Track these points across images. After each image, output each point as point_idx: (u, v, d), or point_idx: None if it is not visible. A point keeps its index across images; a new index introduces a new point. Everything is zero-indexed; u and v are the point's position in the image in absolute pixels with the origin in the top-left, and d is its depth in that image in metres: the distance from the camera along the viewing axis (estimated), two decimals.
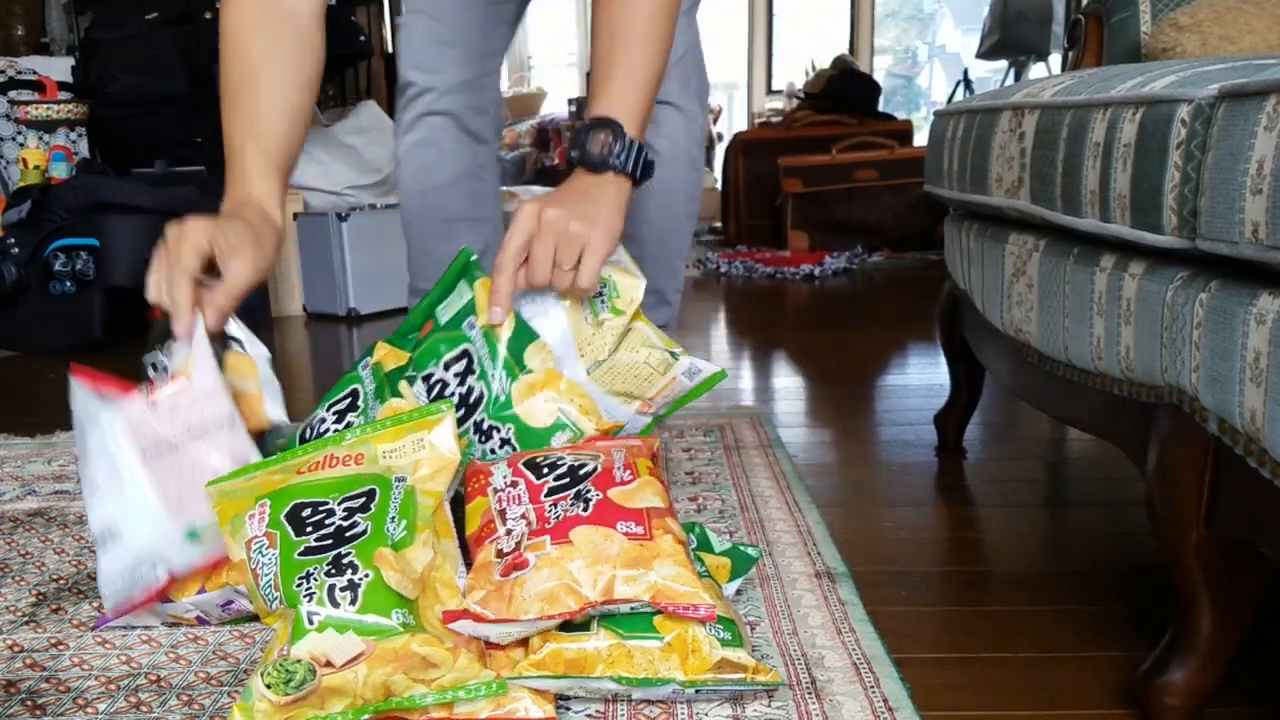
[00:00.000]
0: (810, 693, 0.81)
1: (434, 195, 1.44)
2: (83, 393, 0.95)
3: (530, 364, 1.00)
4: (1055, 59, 4.57)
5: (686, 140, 1.38)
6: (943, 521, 1.26)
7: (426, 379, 1.03)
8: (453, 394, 1.01)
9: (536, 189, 4.17)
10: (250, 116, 1.05)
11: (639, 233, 1.36)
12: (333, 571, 0.76)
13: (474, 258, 1.06)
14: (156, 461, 0.92)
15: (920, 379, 1.96)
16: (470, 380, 1.00)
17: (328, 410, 1.04)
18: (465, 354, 1.02)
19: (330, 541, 0.79)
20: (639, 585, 0.76)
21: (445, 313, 1.06)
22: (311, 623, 0.74)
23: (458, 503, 0.91)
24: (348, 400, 1.04)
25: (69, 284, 2.52)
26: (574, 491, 0.85)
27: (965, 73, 5.44)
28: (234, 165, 1.06)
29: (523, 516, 0.84)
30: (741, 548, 0.96)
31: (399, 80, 1.43)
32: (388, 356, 1.06)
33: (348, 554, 0.77)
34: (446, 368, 1.02)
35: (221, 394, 0.93)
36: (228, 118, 1.06)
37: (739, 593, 0.98)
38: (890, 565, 1.09)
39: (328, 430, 1.02)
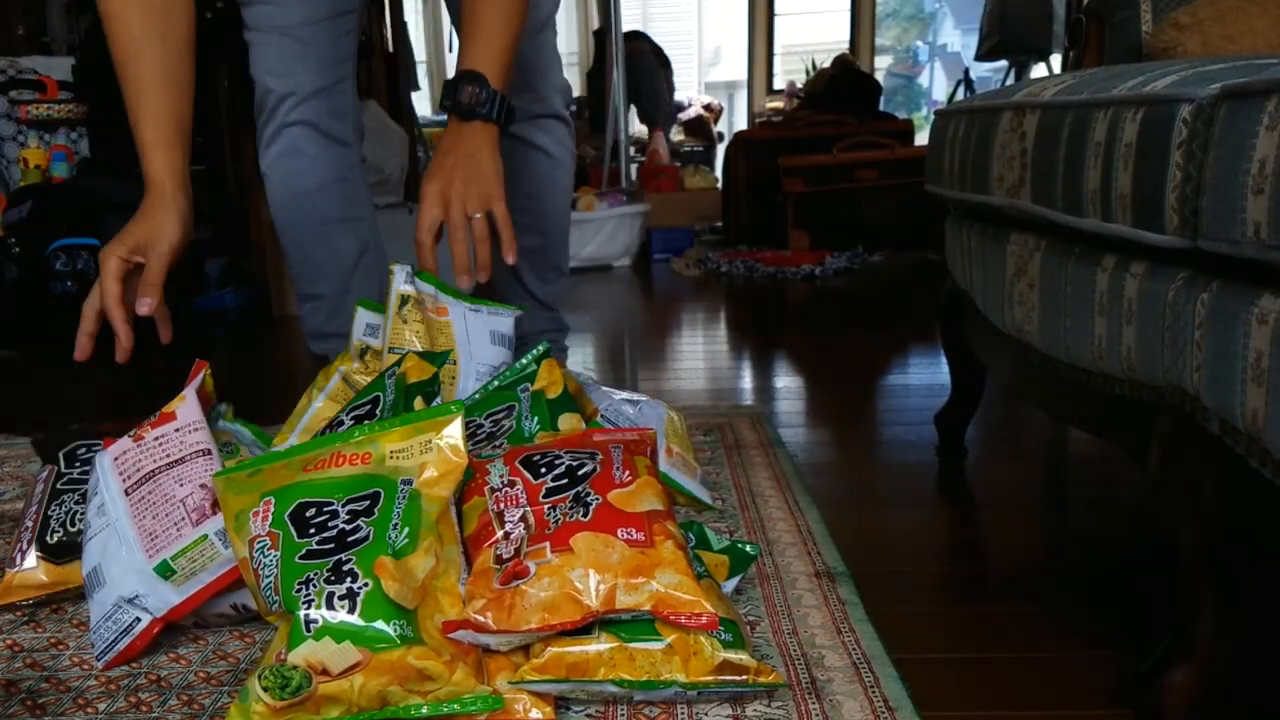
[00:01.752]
0: (810, 693, 0.81)
1: (305, 201, 1.47)
2: (99, 454, 0.98)
3: (561, 427, 1.10)
4: (1056, 59, 4.57)
5: (570, 143, 1.60)
6: (943, 521, 1.26)
7: (467, 424, 1.08)
8: (484, 431, 1.09)
9: None
10: (137, 92, 1.15)
11: (540, 224, 1.58)
12: (332, 579, 0.76)
13: (549, 349, 1.17)
14: (136, 494, 0.92)
15: (920, 379, 1.96)
16: (504, 420, 1.10)
17: (348, 414, 1.04)
18: (510, 407, 1.11)
19: (332, 546, 0.78)
20: (641, 594, 0.76)
21: (509, 375, 1.16)
22: (309, 630, 0.73)
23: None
24: (368, 407, 1.04)
25: (70, 284, 2.52)
26: (573, 494, 0.84)
27: (966, 72, 5.44)
28: (137, 142, 1.15)
29: (521, 519, 0.83)
30: (740, 545, 0.96)
31: (256, 95, 1.44)
32: (413, 369, 1.06)
33: (348, 561, 0.77)
34: (488, 417, 1.11)
35: (203, 428, 0.96)
36: (124, 95, 1.15)
37: (738, 592, 0.98)
38: (890, 565, 1.09)
39: None
